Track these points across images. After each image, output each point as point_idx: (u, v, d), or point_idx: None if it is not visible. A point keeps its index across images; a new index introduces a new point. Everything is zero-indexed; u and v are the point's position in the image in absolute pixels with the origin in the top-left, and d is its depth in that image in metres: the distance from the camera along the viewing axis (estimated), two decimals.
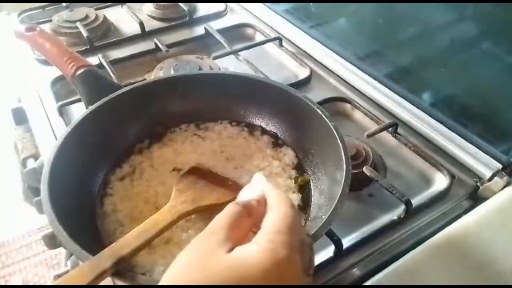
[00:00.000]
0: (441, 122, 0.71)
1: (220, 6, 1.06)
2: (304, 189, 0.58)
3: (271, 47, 0.92)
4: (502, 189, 0.63)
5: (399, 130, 0.71)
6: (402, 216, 0.58)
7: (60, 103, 0.73)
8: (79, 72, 0.62)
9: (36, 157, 0.75)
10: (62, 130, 0.61)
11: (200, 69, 0.82)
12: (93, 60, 0.82)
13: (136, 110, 0.63)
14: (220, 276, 0.31)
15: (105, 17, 0.99)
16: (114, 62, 0.85)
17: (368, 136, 0.68)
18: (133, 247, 0.43)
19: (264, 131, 0.66)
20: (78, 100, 0.71)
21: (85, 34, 0.90)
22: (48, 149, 0.53)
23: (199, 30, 0.96)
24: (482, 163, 0.65)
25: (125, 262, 0.42)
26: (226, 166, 0.60)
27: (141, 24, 0.95)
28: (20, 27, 0.69)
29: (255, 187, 0.40)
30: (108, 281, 0.41)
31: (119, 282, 0.41)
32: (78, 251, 0.41)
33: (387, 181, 0.61)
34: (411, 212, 0.58)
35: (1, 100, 0.93)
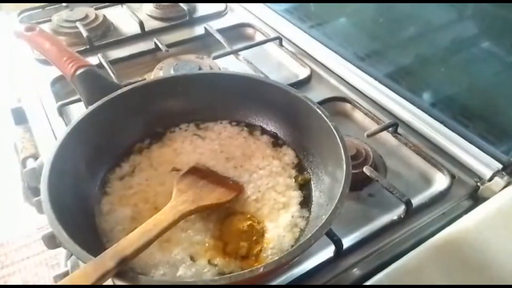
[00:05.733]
0: (441, 122, 0.71)
1: (220, 6, 1.06)
2: (304, 188, 0.58)
3: (271, 47, 0.92)
4: (502, 189, 0.63)
5: (399, 130, 0.71)
6: (402, 216, 0.58)
7: (60, 103, 0.73)
8: (78, 72, 0.62)
9: (36, 157, 0.75)
10: (62, 130, 0.61)
11: (200, 69, 0.82)
12: (93, 60, 0.82)
13: (136, 110, 0.63)
14: None
15: (105, 17, 0.99)
16: (114, 62, 0.85)
17: (368, 136, 0.68)
18: (136, 248, 0.43)
19: (264, 131, 0.66)
20: (78, 100, 0.71)
21: (85, 34, 0.90)
22: (48, 149, 0.53)
23: (199, 30, 0.96)
24: (482, 163, 0.65)
25: (127, 262, 0.42)
26: (226, 166, 0.60)
27: (141, 24, 0.95)
28: (19, 27, 0.69)
29: None
30: (107, 281, 0.41)
31: (119, 282, 0.41)
32: (78, 251, 0.41)
33: (387, 181, 0.61)
34: (411, 212, 0.58)
35: (1, 100, 0.93)
